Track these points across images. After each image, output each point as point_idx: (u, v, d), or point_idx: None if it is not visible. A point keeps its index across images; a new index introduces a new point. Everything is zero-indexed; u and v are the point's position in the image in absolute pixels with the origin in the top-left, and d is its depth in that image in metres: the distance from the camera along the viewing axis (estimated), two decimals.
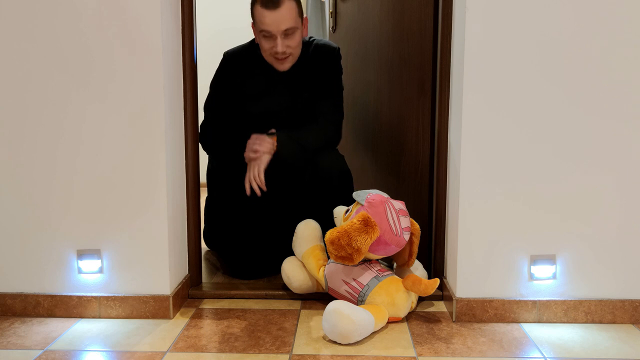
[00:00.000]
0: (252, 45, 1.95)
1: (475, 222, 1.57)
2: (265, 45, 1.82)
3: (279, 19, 1.76)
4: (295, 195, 1.94)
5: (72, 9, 1.52)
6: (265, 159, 1.82)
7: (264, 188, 1.82)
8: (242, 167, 1.89)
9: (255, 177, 1.81)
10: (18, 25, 1.54)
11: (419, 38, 1.82)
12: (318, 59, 1.94)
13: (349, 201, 1.77)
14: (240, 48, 1.96)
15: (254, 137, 1.86)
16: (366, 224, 1.53)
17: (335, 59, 1.97)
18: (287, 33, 1.79)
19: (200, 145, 2.00)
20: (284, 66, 1.86)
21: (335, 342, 1.45)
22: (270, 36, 1.79)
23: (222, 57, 1.97)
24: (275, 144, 1.84)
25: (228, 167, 1.96)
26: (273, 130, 1.87)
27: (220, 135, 1.94)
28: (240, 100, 1.92)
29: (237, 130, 1.92)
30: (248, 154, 1.84)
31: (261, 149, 1.82)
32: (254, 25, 1.86)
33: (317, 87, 1.95)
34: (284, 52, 1.80)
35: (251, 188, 1.83)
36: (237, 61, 1.93)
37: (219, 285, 1.86)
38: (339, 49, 1.99)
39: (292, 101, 1.93)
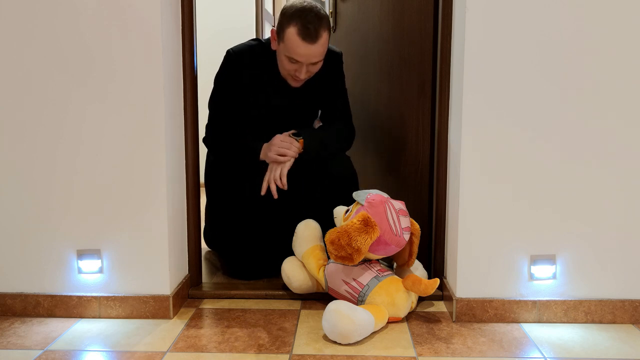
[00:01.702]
0: (259, 45, 1.92)
1: (475, 222, 1.57)
2: (287, 67, 1.79)
3: (314, 52, 1.74)
4: (300, 197, 1.94)
5: (71, 9, 1.52)
6: (290, 162, 1.82)
7: (285, 188, 1.81)
8: (244, 166, 1.89)
9: (277, 179, 1.80)
10: (18, 26, 1.54)
11: (419, 38, 1.82)
12: (325, 62, 1.92)
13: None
14: (245, 47, 1.92)
15: (279, 138, 1.83)
16: (366, 224, 1.53)
17: (340, 63, 2.00)
18: (314, 62, 1.78)
19: (205, 144, 2.01)
20: (298, 85, 1.86)
21: (335, 342, 1.45)
22: (296, 62, 1.76)
23: (225, 54, 1.93)
24: (302, 147, 1.84)
25: (232, 166, 1.96)
26: (294, 131, 1.87)
27: (227, 134, 1.93)
28: (243, 98, 1.91)
29: (243, 129, 1.91)
30: (274, 156, 1.81)
31: (289, 153, 1.80)
32: (277, 39, 1.80)
33: (325, 90, 1.96)
34: (304, 78, 1.81)
35: (268, 189, 1.83)
36: (243, 59, 1.90)
37: (219, 285, 1.86)
38: (342, 53, 2.01)
39: (295, 102, 1.93)
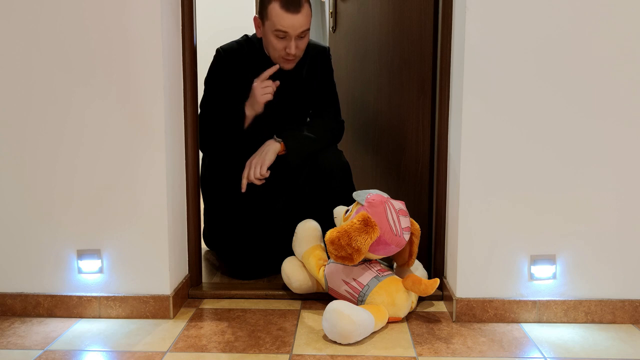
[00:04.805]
0: (246, 41, 1.96)
1: (475, 222, 1.57)
2: (277, 45, 1.83)
3: (299, 22, 1.79)
4: (294, 193, 1.95)
5: (74, 9, 1.52)
6: (269, 159, 1.86)
7: (266, 175, 1.85)
8: (239, 165, 1.89)
9: (257, 176, 1.84)
10: (22, 26, 1.53)
11: (419, 38, 1.82)
12: (313, 57, 1.97)
13: (350, 196, 1.77)
14: (234, 44, 1.97)
15: (257, 82, 1.84)
16: (366, 224, 1.53)
17: (328, 57, 2.05)
18: (301, 36, 1.82)
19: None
20: (290, 65, 1.89)
21: (335, 342, 1.45)
22: (284, 37, 1.80)
23: (215, 53, 1.96)
24: (282, 149, 1.88)
25: (226, 166, 1.96)
26: (275, 136, 1.91)
27: (221, 129, 1.94)
28: (236, 96, 1.92)
29: (234, 127, 1.92)
30: (262, 96, 1.84)
31: (273, 89, 1.84)
32: (261, 22, 1.86)
33: (314, 84, 2.01)
34: (295, 54, 1.83)
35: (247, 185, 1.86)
36: (233, 57, 1.93)
37: (219, 285, 1.86)
38: (329, 48, 2.07)
39: (286, 95, 1.95)
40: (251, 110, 1.88)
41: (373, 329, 1.49)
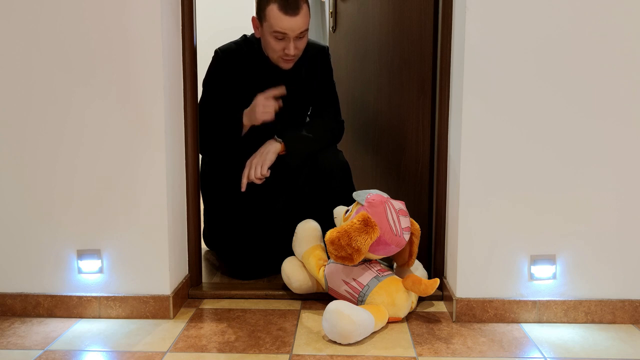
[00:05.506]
0: (245, 42, 1.96)
1: (475, 222, 1.57)
2: (275, 46, 1.83)
3: (298, 23, 1.78)
4: (294, 193, 1.95)
5: (74, 9, 1.52)
6: (269, 159, 1.86)
7: (268, 175, 1.85)
8: (239, 165, 1.90)
9: (258, 177, 1.84)
10: (22, 26, 1.54)
11: (419, 38, 1.82)
12: (312, 57, 1.98)
13: (350, 196, 1.77)
14: (233, 44, 1.96)
15: (262, 97, 1.84)
16: (366, 224, 1.53)
17: (327, 57, 2.05)
18: (300, 36, 1.82)
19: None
20: (289, 65, 1.89)
21: (335, 342, 1.45)
22: (283, 38, 1.80)
23: (213, 54, 1.96)
24: (282, 149, 1.89)
25: (225, 166, 1.96)
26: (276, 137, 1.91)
27: (218, 133, 1.94)
28: (235, 97, 1.92)
29: (232, 134, 1.92)
30: (262, 116, 1.84)
31: (273, 112, 1.84)
32: (260, 23, 1.85)
33: (314, 84, 2.01)
34: (294, 54, 1.83)
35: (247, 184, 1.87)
36: (232, 58, 1.93)
37: (219, 285, 1.86)
38: (328, 47, 2.07)
39: (286, 97, 1.95)
40: (248, 121, 1.88)
41: (373, 329, 1.49)
